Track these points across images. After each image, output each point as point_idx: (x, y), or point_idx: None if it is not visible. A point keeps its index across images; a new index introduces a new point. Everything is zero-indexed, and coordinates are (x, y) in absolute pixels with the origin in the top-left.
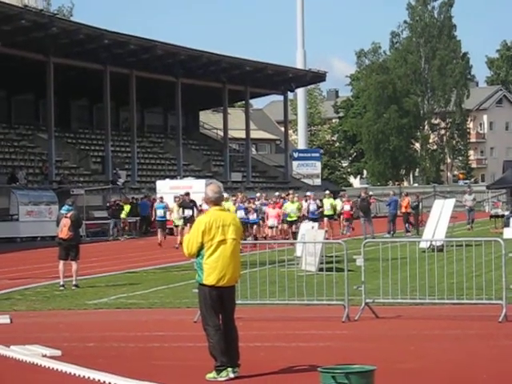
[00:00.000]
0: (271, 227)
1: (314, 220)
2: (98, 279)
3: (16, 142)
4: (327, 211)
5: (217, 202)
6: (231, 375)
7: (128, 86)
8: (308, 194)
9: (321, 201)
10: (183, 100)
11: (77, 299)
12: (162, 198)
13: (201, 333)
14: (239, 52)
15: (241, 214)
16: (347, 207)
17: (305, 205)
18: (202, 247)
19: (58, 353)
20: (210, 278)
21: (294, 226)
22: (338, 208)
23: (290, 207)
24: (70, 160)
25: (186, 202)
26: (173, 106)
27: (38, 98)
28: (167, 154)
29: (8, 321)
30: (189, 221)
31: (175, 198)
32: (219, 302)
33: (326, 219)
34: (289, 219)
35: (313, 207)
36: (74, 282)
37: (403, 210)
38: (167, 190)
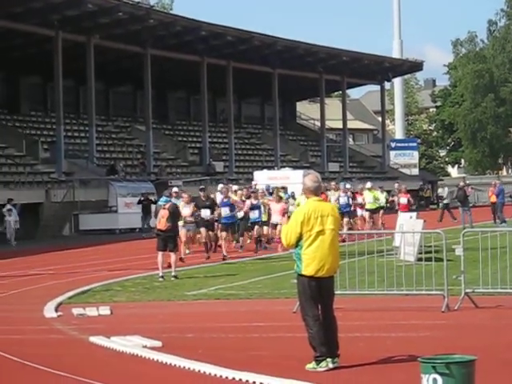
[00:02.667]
0: (275, 224)
1: (344, 214)
2: (196, 270)
3: (114, 135)
4: (370, 204)
5: (316, 191)
6: (331, 365)
7: (225, 77)
8: (346, 186)
9: (353, 194)
10: (280, 90)
11: (176, 290)
12: (177, 192)
13: (300, 323)
14: (336, 42)
15: (225, 211)
16: (403, 200)
17: (332, 198)
18: (300, 238)
19: (159, 344)
20: (308, 269)
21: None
22: (382, 200)
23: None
24: (167, 152)
25: (200, 201)
26: (270, 96)
27: (135, 90)
28: (264, 145)
29: (108, 312)
30: (207, 225)
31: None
32: (318, 292)
33: (367, 213)
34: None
35: (343, 200)
36: (172, 273)
37: (493, 199)
38: (265, 180)
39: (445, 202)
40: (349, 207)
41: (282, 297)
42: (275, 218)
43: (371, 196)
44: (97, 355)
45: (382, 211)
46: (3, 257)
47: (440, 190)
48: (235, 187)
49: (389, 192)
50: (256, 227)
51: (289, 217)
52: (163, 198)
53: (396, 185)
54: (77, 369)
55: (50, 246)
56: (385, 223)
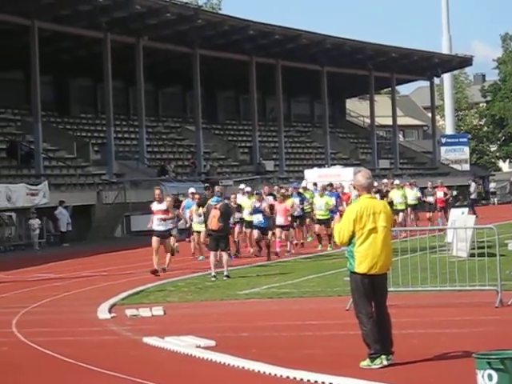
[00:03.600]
0: (280, 226)
1: None
2: (248, 269)
3: (164, 135)
4: (399, 205)
5: (369, 188)
6: (385, 362)
7: (274, 76)
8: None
9: (383, 193)
10: (329, 88)
11: (228, 289)
12: (193, 193)
13: (353, 321)
14: (384, 39)
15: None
16: (440, 194)
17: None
18: (353, 235)
19: (212, 343)
20: (361, 266)
21: (324, 228)
22: (409, 198)
23: (318, 203)
24: (217, 151)
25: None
26: (319, 94)
27: (184, 91)
28: (314, 143)
29: (161, 312)
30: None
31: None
32: (371, 289)
33: (400, 214)
34: (319, 217)
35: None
36: (225, 273)
37: None
38: (315, 178)
39: (472, 197)
40: None
41: (335, 295)
42: (279, 219)
43: (399, 194)
44: (151, 356)
45: (409, 209)
46: (57, 259)
47: (491, 185)
48: (248, 189)
49: (423, 190)
50: (255, 231)
51: (341, 214)
52: (214, 198)
53: (429, 183)
54: (131, 369)
55: (102, 248)
56: (416, 222)
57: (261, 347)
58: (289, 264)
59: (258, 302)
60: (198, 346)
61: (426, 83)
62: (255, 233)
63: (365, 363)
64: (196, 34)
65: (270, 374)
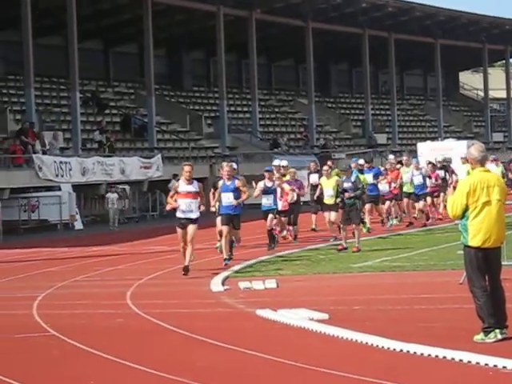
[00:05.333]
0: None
1: (420, 197)
2: (362, 243)
3: (277, 108)
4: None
5: (482, 161)
6: (499, 337)
7: (386, 49)
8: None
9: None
10: (442, 61)
11: (341, 263)
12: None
13: (467, 294)
14: (498, 11)
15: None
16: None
17: (405, 177)
18: (466, 209)
19: (325, 316)
20: (475, 240)
21: (329, 214)
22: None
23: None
24: (330, 124)
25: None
26: (432, 67)
27: (297, 64)
28: (427, 116)
29: (274, 285)
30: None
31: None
32: (485, 263)
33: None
34: (326, 202)
35: (418, 180)
36: (356, 245)
37: None
38: (428, 152)
39: None
40: (425, 188)
41: (449, 268)
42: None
43: (465, 171)
44: (264, 328)
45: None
46: (170, 231)
47: None
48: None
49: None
50: (270, 216)
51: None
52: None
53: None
54: (244, 342)
55: (214, 220)
56: None
57: (374, 320)
58: (401, 238)
59: (371, 276)
60: (311, 319)
61: None
62: (269, 219)
63: (479, 337)
64: (308, 7)
65: (383, 347)
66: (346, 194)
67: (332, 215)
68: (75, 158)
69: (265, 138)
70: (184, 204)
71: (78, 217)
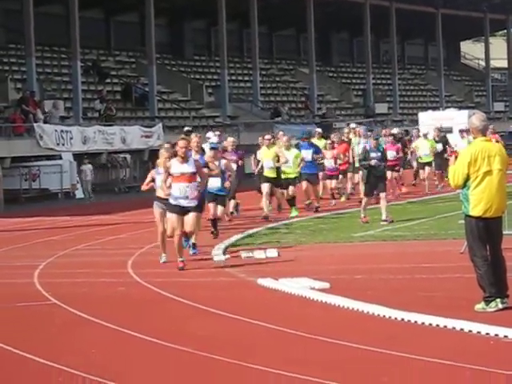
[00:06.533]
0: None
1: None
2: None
3: (278, 77)
4: (426, 157)
5: (484, 131)
6: (500, 306)
7: (388, 18)
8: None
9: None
10: (444, 31)
11: (342, 232)
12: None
13: (468, 264)
14: None
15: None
16: None
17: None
18: (467, 178)
19: (327, 285)
20: (476, 209)
21: (290, 188)
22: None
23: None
24: (331, 94)
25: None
26: (433, 37)
27: (298, 33)
28: (428, 86)
29: (275, 254)
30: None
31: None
32: (486, 232)
33: (426, 169)
34: (284, 176)
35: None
36: (383, 217)
37: None
38: (430, 121)
39: None
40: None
41: (450, 237)
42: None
43: (427, 145)
44: (265, 297)
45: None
46: None
47: None
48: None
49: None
50: (212, 204)
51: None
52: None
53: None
54: (245, 311)
55: None
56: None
57: (375, 290)
58: (400, 207)
59: (372, 245)
60: (313, 288)
61: None
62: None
63: (480, 306)
64: None
65: (384, 316)
66: (373, 162)
67: (266, 187)
68: (76, 126)
69: (266, 108)
70: (177, 189)
71: (78, 186)
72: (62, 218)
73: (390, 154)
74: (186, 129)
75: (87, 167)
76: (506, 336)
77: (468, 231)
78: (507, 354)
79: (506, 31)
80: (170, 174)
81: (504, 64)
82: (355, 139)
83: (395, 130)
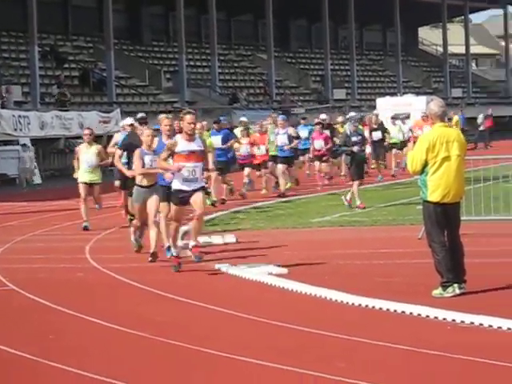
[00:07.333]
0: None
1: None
2: (320, 197)
3: (236, 63)
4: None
5: (442, 116)
6: (457, 291)
7: (346, 4)
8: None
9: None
10: (402, 17)
11: (300, 218)
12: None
13: (426, 249)
14: None
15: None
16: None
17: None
18: (426, 164)
19: (285, 271)
20: (434, 195)
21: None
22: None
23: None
24: (289, 80)
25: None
26: (391, 23)
27: (257, 19)
28: (386, 72)
29: (234, 240)
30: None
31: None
32: (444, 218)
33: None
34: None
35: (282, 139)
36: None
37: None
38: (388, 107)
39: (480, 128)
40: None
41: (407, 223)
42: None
43: (396, 129)
44: (223, 282)
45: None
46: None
47: None
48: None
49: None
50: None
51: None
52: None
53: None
54: (202, 296)
55: None
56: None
57: (333, 275)
58: (360, 193)
59: (330, 230)
60: (270, 274)
61: (500, 11)
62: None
63: (437, 292)
64: None
65: (342, 301)
66: (355, 148)
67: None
68: (34, 112)
69: (224, 93)
70: (187, 170)
71: (36, 171)
72: (20, 203)
73: (318, 144)
74: (139, 115)
75: (27, 154)
76: (462, 321)
77: (426, 217)
78: (464, 339)
79: (463, 17)
80: (173, 154)
81: (462, 50)
82: (272, 127)
83: (323, 116)
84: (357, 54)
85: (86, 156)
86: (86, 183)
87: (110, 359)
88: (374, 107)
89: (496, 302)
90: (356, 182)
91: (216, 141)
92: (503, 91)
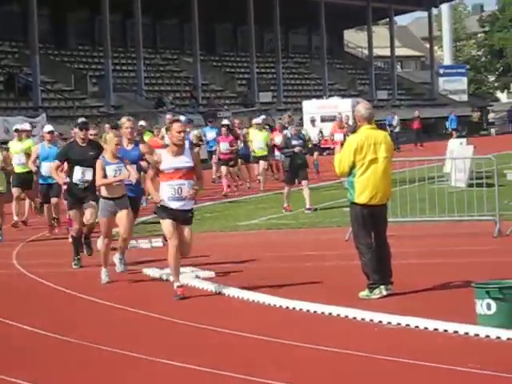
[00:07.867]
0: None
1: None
2: (248, 201)
3: (162, 67)
4: (260, 151)
5: (369, 119)
6: (384, 293)
7: (271, 8)
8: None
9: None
10: (327, 19)
11: (228, 221)
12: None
13: (353, 251)
14: None
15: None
16: (339, 136)
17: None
18: (353, 166)
19: (212, 274)
20: (361, 197)
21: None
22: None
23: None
24: (215, 83)
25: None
26: (317, 26)
27: (182, 23)
28: (312, 74)
29: (161, 244)
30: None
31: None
32: (371, 220)
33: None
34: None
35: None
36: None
37: None
38: (314, 110)
39: (396, 130)
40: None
41: (334, 225)
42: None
43: (261, 137)
44: (150, 287)
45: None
46: None
47: (490, 116)
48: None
49: None
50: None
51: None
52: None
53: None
54: (129, 300)
55: None
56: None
57: (260, 278)
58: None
59: (257, 234)
60: (197, 277)
61: (424, 14)
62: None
63: (364, 293)
64: None
65: (269, 304)
66: (297, 149)
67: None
68: None
69: (150, 97)
70: (172, 188)
71: None
72: None
73: (223, 147)
74: (80, 120)
75: None
76: (389, 322)
77: (353, 218)
78: (391, 340)
79: (388, 20)
80: (158, 171)
81: (387, 52)
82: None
83: (226, 121)
84: (282, 57)
85: None
86: None
87: (35, 365)
88: (301, 110)
89: (423, 303)
90: (287, 187)
91: (210, 134)
92: (428, 93)
